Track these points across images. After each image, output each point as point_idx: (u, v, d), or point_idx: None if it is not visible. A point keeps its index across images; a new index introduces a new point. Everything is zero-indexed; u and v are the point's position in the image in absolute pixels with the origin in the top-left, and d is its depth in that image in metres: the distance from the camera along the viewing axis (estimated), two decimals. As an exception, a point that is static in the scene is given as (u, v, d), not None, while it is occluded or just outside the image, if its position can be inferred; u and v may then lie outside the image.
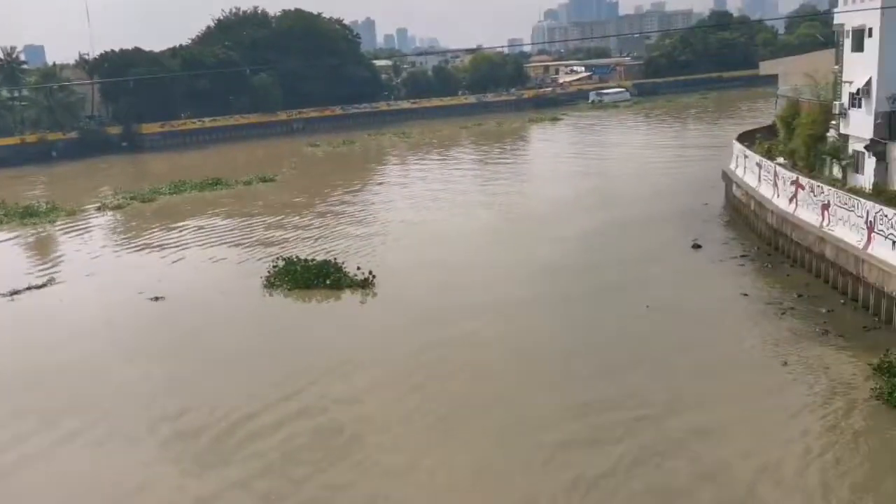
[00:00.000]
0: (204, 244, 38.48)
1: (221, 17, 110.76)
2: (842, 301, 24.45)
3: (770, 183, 33.47)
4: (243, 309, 27.74)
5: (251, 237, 39.52)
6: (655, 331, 23.00)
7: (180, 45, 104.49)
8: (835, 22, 33.30)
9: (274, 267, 31.06)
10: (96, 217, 48.19)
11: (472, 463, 16.24)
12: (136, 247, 39.28)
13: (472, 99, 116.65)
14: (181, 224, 44.04)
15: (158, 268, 34.36)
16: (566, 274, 29.43)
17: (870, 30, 29.06)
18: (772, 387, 18.86)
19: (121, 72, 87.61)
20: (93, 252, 38.36)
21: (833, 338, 21.59)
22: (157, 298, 29.11)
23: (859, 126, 30.17)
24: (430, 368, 21.25)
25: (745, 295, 25.84)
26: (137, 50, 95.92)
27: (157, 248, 38.30)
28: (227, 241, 38.95)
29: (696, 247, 32.29)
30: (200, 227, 42.72)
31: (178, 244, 38.89)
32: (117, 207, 50.58)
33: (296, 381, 20.77)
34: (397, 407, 19.04)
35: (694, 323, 23.62)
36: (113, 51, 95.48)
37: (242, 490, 15.81)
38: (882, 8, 27.91)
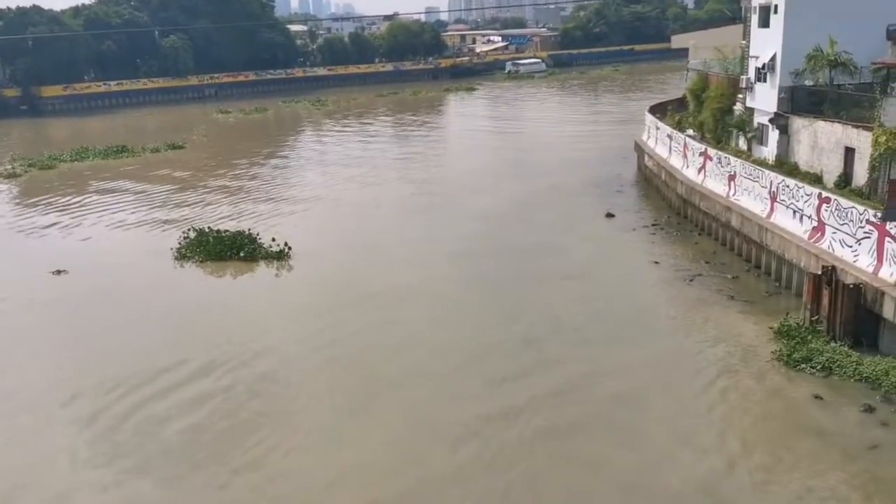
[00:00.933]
0: (110, 214, 37.01)
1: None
2: (746, 268, 25.63)
3: (680, 154, 34.59)
4: (152, 281, 26.72)
5: (160, 207, 38.15)
6: (570, 300, 23.43)
7: (83, 4, 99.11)
8: (743, -2, 34.45)
9: (185, 238, 30.08)
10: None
11: (383, 439, 15.94)
12: (35, 217, 37.34)
13: (389, 67, 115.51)
14: (85, 193, 42.22)
15: (61, 239, 33.00)
16: (481, 244, 29.61)
17: (775, 6, 30.18)
18: (682, 352, 19.63)
19: (18, 31, 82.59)
20: (-15, 223, 36.32)
21: (738, 303, 22.65)
22: (59, 272, 27.82)
23: (764, 100, 31.43)
24: (344, 343, 20.82)
25: (657, 263, 26.75)
26: (36, 8, 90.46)
27: (59, 219, 36.56)
28: (135, 210, 37.61)
29: (610, 216, 33.15)
30: (106, 197, 41.09)
31: (82, 214, 37.35)
32: (12, 175, 48.00)
33: (202, 357, 19.98)
34: (309, 383, 18.64)
35: (607, 291, 24.27)
36: (9, 8, 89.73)
37: (140, 475, 15.09)
38: (787, -15, 28.99)
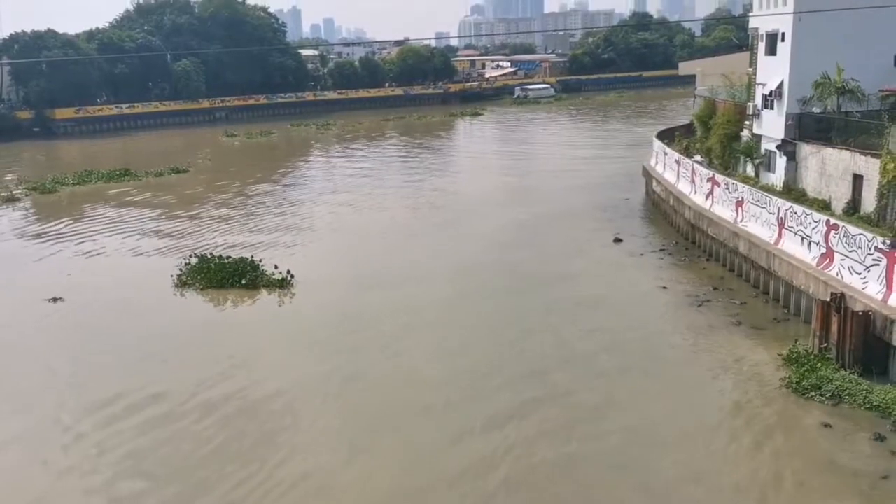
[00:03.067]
0: (110, 240, 36.27)
1: (141, 1, 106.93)
2: (754, 294, 25.54)
3: (688, 179, 34.62)
4: (150, 309, 25.90)
5: (161, 233, 37.45)
6: (579, 327, 23.27)
7: (97, 28, 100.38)
8: (750, 26, 34.69)
9: (186, 265, 29.43)
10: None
11: (382, 481, 15.37)
12: (32, 243, 36.56)
13: (399, 91, 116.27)
14: (85, 218, 41.58)
15: (57, 266, 31.96)
16: (489, 270, 29.41)
17: (783, 34, 30.37)
18: (692, 381, 19.50)
19: (33, 54, 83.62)
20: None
21: (746, 329, 22.54)
22: (55, 299, 27.02)
23: (771, 126, 31.51)
24: (345, 376, 20.24)
25: (665, 288, 26.70)
26: (51, 32, 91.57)
27: (57, 245, 35.70)
28: (136, 236, 36.82)
29: (618, 241, 33.15)
30: (106, 222, 40.30)
31: (80, 240, 36.41)
32: (11, 200, 47.07)
33: (190, 389, 19.46)
34: (308, 420, 18.02)
35: (617, 317, 24.10)
36: (24, 32, 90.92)
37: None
38: (794, 13, 29.19)
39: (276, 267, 28.69)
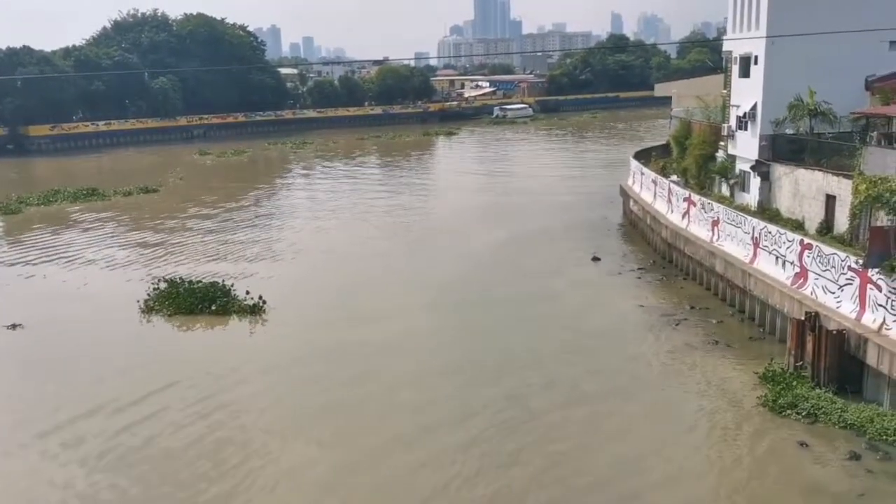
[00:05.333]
0: (73, 263, 35.00)
1: (119, 19, 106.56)
2: (730, 313, 25.75)
3: (664, 199, 34.96)
4: (113, 338, 24.94)
5: (128, 256, 36.29)
6: (559, 348, 23.20)
7: (73, 46, 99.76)
8: (724, 49, 35.25)
9: (154, 289, 28.44)
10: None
11: None
12: None
13: (378, 110, 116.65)
14: (49, 240, 40.11)
15: (18, 291, 30.89)
16: (467, 291, 29.15)
17: (756, 57, 30.90)
18: (672, 403, 19.53)
19: (7, 71, 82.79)
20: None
21: (723, 348, 22.70)
22: (14, 326, 26.01)
23: (746, 147, 31.96)
24: (316, 407, 19.52)
25: (642, 306, 26.83)
26: (27, 49, 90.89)
27: (17, 268, 34.41)
28: (101, 260, 35.54)
29: (596, 260, 33.31)
30: (70, 245, 38.77)
31: (43, 263, 35.24)
32: None
33: (158, 427, 18.55)
34: (276, 455, 17.13)
35: (595, 337, 24.14)
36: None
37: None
38: (767, 37, 29.72)
39: (247, 292, 27.76)
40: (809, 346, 19.50)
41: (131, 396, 20.31)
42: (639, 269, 31.83)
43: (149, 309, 27.37)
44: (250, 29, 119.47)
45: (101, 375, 21.93)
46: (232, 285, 28.57)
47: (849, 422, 17.42)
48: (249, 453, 17.36)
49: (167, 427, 18.70)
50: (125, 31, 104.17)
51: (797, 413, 18.03)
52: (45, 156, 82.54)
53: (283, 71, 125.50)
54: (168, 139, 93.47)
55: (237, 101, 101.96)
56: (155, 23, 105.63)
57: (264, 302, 27.25)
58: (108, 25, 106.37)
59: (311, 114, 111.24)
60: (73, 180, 59.50)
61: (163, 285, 28.83)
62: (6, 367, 23.18)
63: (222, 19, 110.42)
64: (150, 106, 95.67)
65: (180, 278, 29.61)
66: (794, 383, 19.17)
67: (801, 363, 19.80)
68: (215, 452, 17.44)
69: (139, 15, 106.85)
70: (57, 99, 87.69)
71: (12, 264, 35.42)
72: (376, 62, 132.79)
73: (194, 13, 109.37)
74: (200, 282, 29.00)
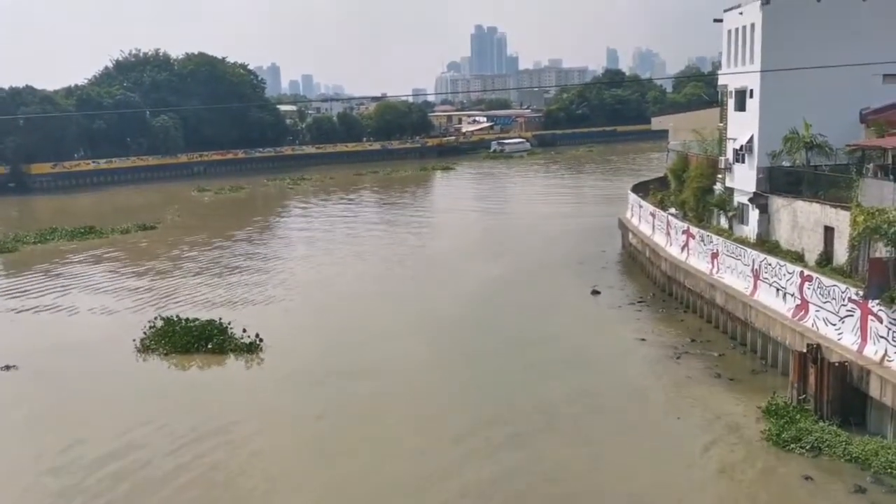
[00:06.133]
0: (69, 302, 34.58)
1: (120, 59, 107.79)
2: (732, 346, 25.68)
3: (663, 232, 35.06)
4: (110, 378, 24.69)
5: (125, 294, 35.87)
6: (561, 387, 22.93)
7: (76, 85, 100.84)
8: (719, 83, 35.66)
9: (151, 327, 28.14)
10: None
11: None
12: None
13: (376, 145, 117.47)
14: (44, 279, 39.83)
15: (12, 331, 30.57)
16: (466, 329, 28.87)
17: (751, 91, 31.23)
18: (674, 436, 19.41)
19: (10, 110, 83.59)
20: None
21: (725, 381, 22.59)
22: (7, 367, 25.70)
23: (743, 180, 32.14)
24: (314, 453, 19.14)
25: (643, 340, 26.76)
26: (29, 88, 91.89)
27: (11, 308, 33.97)
28: (98, 298, 35.28)
29: (595, 293, 33.29)
30: (66, 284, 38.48)
31: (37, 302, 34.85)
32: None
33: (149, 472, 18.12)
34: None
35: (597, 373, 23.99)
36: (2, 88, 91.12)
37: None
38: (761, 71, 30.07)
39: (244, 330, 27.47)
40: (812, 379, 19.41)
41: (124, 438, 20.02)
42: (639, 301, 31.81)
43: (145, 348, 27.11)
44: (250, 67, 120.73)
45: (96, 417, 21.59)
46: (229, 323, 28.26)
47: (853, 455, 17.28)
48: (240, 498, 17.07)
49: (159, 469, 18.44)
50: (127, 70, 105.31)
51: (801, 447, 17.88)
52: (46, 194, 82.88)
53: (283, 108, 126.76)
54: (169, 176, 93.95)
55: (237, 138, 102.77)
56: (157, 62, 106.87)
57: (261, 340, 26.97)
58: (110, 65, 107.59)
59: (311, 150, 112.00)
60: (72, 218, 59.56)
61: (159, 323, 28.54)
62: None
63: (223, 58, 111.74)
64: (150, 144, 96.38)
65: (177, 316, 29.25)
66: (798, 417, 19.05)
67: (803, 396, 19.70)
68: (205, 497, 17.16)
69: (141, 55, 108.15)
70: (59, 137, 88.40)
71: (6, 303, 35.06)
72: (374, 98, 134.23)
73: (195, 52, 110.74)
74: (197, 320, 28.76)
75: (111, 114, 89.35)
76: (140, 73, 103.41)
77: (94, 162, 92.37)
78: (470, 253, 44.03)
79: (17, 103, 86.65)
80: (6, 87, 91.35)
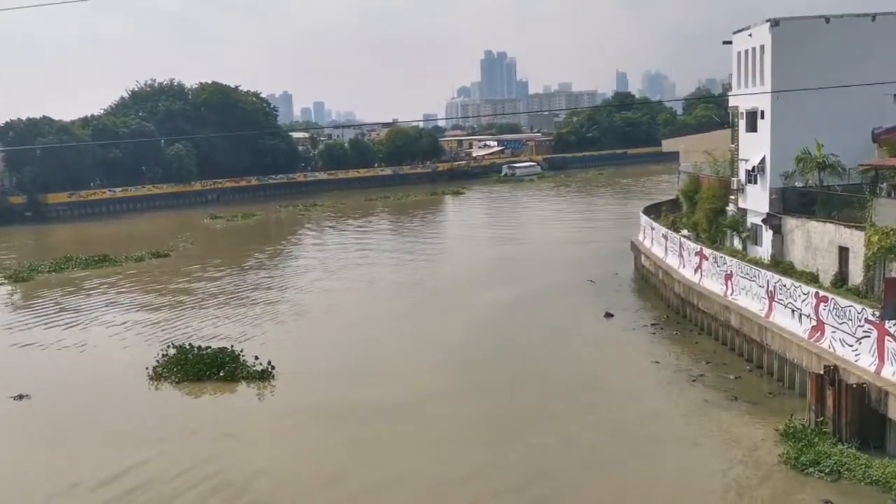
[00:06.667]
0: (82, 330, 34.81)
1: (136, 89, 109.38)
2: (748, 368, 25.45)
3: (676, 254, 34.95)
4: (122, 407, 24.68)
5: (138, 322, 35.91)
6: (575, 406, 22.90)
7: (92, 115, 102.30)
8: (730, 104, 35.73)
9: (164, 355, 28.25)
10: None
11: None
12: None
13: (388, 171, 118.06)
14: (58, 307, 39.98)
15: (24, 360, 30.61)
16: (479, 353, 28.73)
17: (762, 112, 31.27)
18: (688, 457, 19.25)
19: (27, 140, 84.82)
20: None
21: (742, 404, 22.37)
22: (20, 397, 25.73)
23: (756, 201, 32.07)
24: (324, 485, 18.79)
25: (657, 363, 26.58)
26: (46, 119, 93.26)
27: (24, 337, 34.09)
28: (111, 326, 35.36)
29: (608, 315, 33.15)
30: (80, 312, 38.67)
31: (51, 331, 34.99)
32: None
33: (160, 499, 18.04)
34: None
35: (612, 396, 23.81)
36: (19, 119, 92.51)
37: None
38: (772, 92, 30.13)
39: (256, 358, 27.45)
40: (830, 401, 19.20)
41: (136, 470, 19.92)
42: (652, 324, 31.64)
43: (157, 376, 27.12)
44: (263, 95, 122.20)
45: (108, 447, 21.51)
46: (241, 351, 28.27)
47: (874, 478, 17.03)
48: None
49: (170, 498, 18.40)
50: (142, 100, 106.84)
51: (820, 470, 17.65)
52: (62, 222, 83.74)
53: (295, 135, 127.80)
54: (183, 204, 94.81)
55: (250, 166, 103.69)
56: (171, 92, 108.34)
57: (273, 367, 26.93)
58: (125, 95, 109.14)
59: (323, 176, 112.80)
60: (87, 246, 60.00)
61: (171, 351, 28.58)
62: (9, 441, 22.68)
63: (236, 87, 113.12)
64: (165, 172, 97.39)
65: (189, 344, 29.28)
66: (816, 439, 18.83)
67: (821, 418, 19.47)
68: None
69: (156, 84, 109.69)
70: (75, 166, 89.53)
71: (20, 332, 35.21)
72: (385, 124, 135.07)
73: (209, 81, 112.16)
74: (209, 347, 28.77)
75: (126, 143, 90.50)
76: (155, 103, 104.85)
77: (109, 190, 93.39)
78: (481, 277, 43.95)
79: (35, 133, 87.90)
80: (24, 117, 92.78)
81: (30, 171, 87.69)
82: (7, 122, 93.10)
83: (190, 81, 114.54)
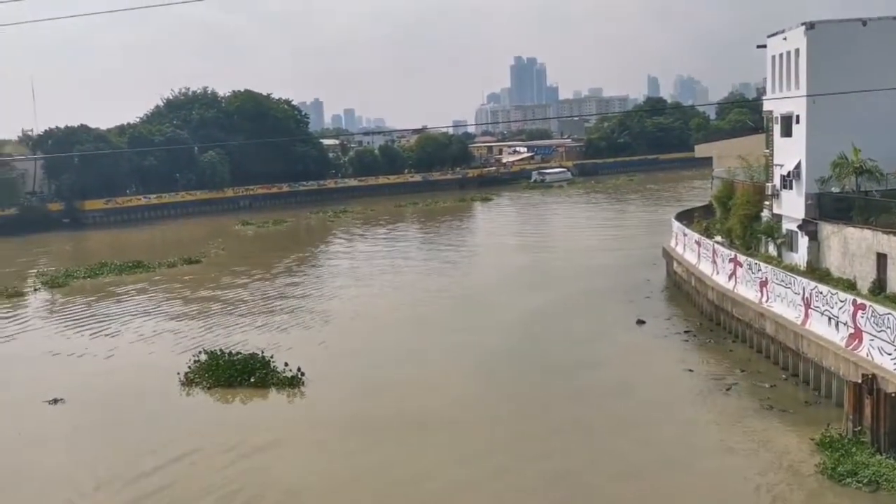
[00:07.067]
0: (115, 336, 35.17)
1: (170, 97, 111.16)
2: (783, 376, 25.06)
3: (709, 260, 34.57)
4: (155, 412, 24.83)
5: (170, 327, 36.26)
6: (606, 414, 22.70)
7: (128, 124, 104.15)
8: (764, 109, 35.30)
9: (195, 361, 28.34)
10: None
11: None
12: (35, 339, 35.40)
13: (417, 177, 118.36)
14: (91, 313, 40.49)
15: (59, 365, 30.91)
16: (509, 360, 28.54)
17: (797, 116, 30.84)
18: (723, 468, 18.98)
19: (66, 148, 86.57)
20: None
21: (778, 413, 22.05)
22: (55, 401, 26.03)
23: (791, 206, 31.62)
24: (353, 491, 18.86)
25: (691, 371, 26.30)
26: (84, 127, 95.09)
27: (59, 342, 34.48)
28: (144, 331, 35.75)
29: (641, 323, 32.89)
30: (113, 317, 39.07)
31: (85, 336, 35.38)
32: (15, 295, 45.52)
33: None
34: None
35: (644, 404, 23.56)
36: (58, 127, 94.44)
37: None
38: (808, 96, 29.70)
39: (286, 364, 27.51)
40: (868, 411, 18.84)
41: (166, 474, 20.18)
42: (685, 331, 31.31)
43: (189, 381, 27.27)
44: (294, 103, 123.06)
45: (140, 452, 21.69)
46: (272, 357, 28.32)
47: (914, 490, 16.68)
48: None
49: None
50: (177, 108, 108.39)
51: (858, 481, 17.33)
52: (99, 228, 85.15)
53: (326, 142, 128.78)
54: (216, 210, 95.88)
55: (282, 172, 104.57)
56: (205, 100, 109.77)
57: (303, 374, 26.95)
58: (160, 103, 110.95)
59: (353, 182, 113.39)
60: (122, 252, 60.81)
61: (203, 357, 28.72)
62: (46, 443, 22.95)
63: (268, 95, 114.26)
64: (198, 179, 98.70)
65: (220, 350, 29.37)
66: (854, 449, 18.48)
67: (859, 428, 19.11)
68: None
69: (190, 93, 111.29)
70: (111, 174, 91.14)
71: (55, 337, 35.69)
72: (415, 131, 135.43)
73: (242, 90, 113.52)
74: (240, 353, 28.83)
75: (161, 150, 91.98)
76: (189, 111, 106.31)
77: (144, 197, 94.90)
78: (511, 283, 43.81)
79: (73, 141, 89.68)
80: (62, 125, 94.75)
81: (68, 179, 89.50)
82: (46, 131, 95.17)
83: (223, 89, 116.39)
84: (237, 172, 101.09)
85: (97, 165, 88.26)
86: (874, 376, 19.43)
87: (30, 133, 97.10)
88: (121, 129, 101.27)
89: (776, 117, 32.99)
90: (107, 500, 19.01)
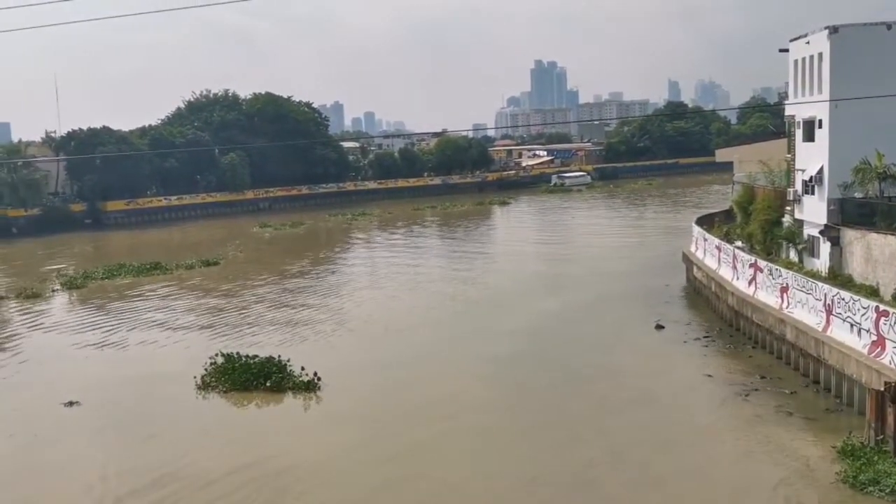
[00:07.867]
0: (131, 338, 35.16)
1: (192, 99, 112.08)
2: (804, 383, 24.78)
3: (729, 265, 34.28)
4: (170, 416, 24.78)
5: (185, 330, 36.30)
6: (625, 421, 22.56)
7: (149, 125, 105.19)
8: (786, 113, 34.99)
9: (212, 364, 28.22)
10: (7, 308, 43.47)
11: None
12: (52, 341, 35.49)
13: (437, 180, 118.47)
14: (108, 314, 40.74)
15: (74, 367, 31.01)
16: (528, 365, 28.43)
17: (820, 121, 30.52)
18: (743, 475, 18.79)
19: (88, 150, 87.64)
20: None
21: (798, 420, 21.81)
22: (70, 403, 26.00)
23: (813, 212, 31.29)
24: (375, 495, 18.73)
25: (710, 376, 26.08)
26: (106, 129, 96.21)
27: (74, 344, 34.54)
28: (161, 333, 35.81)
29: (659, 327, 32.67)
30: (129, 319, 39.13)
31: (100, 338, 35.40)
32: (33, 296, 45.86)
33: None
34: None
35: (664, 410, 23.42)
36: (81, 129, 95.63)
37: None
38: (830, 100, 29.39)
39: (302, 368, 27.28)
40: (890, 419, 18.56)
41: (181, 478, 20.19)
42: (704, 337, 31.06)
43: (205, 385, 27.24)
44: (314, 105, 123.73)
45: (156, 456, 21.67)
46: (288, 360, 28.21)
47: (938, 500, 16.41)
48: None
49: None
50: (198, 110, 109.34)
51: (880, 490, 17.07)
52: (120, 229, 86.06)
53: (346, 144, 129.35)
54: (235, 212, 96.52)
55: (302, 175, 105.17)
56: (226, 102, 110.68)
57: (319, 378, 26.83)
58: (182, 106, 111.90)
59: (372, 185, 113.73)
60: (142, 253, 61.16)
61: (219, 360, 28.63)
62: (61, 445, 22.99)
63: (288, 97, 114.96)
64: (219, 181, 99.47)
65: (237, 353, 29.22)
66: (876, 458, 18.22)
67: (881, 437, 18.83)
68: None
69: (211, 95, 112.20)
70: (133, 175, 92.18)
71: (71, 339, 35.73)
72: (435, 134, 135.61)
73: (262, 92, 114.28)
74: (256, 356, 28.68)
75: (182, 152, 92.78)
76: (210, 113, 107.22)
77: (165, 199, 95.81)
78: (528, 287, 43.67)
79: (95, 143, 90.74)
80: (85, 127, 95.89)
81: (90, 180, 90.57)
82: (69, 132, 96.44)
83: (245, 92, 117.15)
84: (257, 174, 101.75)
85: (119, 167, 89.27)
86: (897, 384, 19.13)
87: (53, 134, 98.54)
88: (142, 131, 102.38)
89: (798, 122, 32.67)
90: (117, 502, 19.09)
